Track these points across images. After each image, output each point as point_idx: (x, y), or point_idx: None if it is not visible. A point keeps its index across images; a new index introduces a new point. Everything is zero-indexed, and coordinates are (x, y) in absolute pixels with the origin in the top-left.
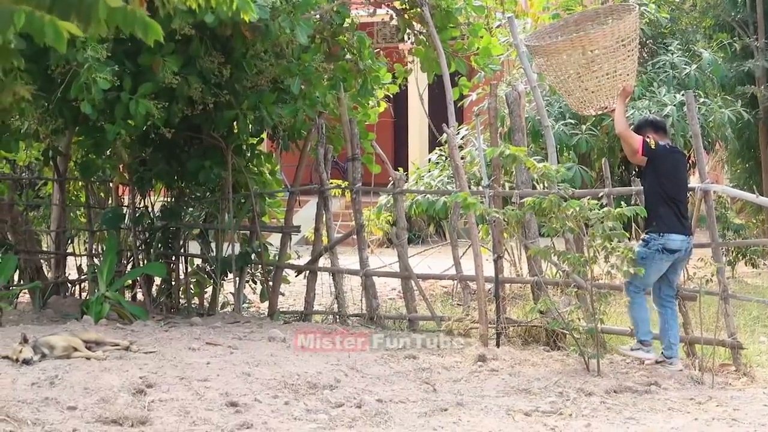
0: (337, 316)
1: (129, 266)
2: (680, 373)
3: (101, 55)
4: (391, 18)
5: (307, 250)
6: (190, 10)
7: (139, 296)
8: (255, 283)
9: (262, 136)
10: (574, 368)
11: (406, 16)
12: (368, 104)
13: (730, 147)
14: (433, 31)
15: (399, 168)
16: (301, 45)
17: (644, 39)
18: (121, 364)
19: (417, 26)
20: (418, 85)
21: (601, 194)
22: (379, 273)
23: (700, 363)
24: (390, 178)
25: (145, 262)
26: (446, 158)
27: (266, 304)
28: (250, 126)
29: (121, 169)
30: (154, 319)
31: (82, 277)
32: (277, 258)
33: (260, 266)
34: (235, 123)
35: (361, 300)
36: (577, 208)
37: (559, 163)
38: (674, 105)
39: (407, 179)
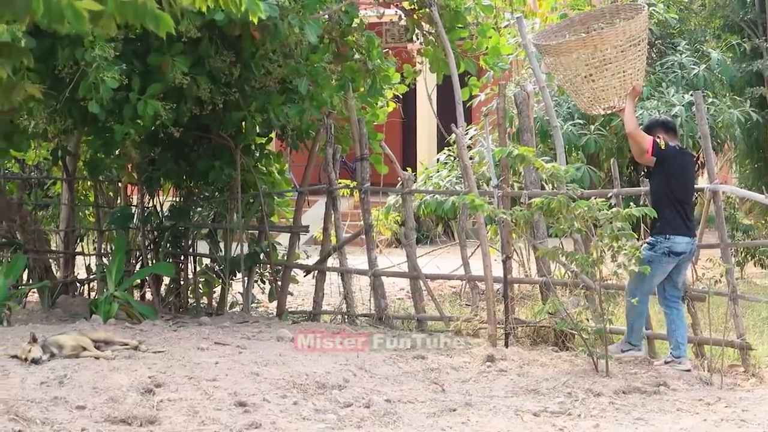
0: (346, 316)
1: (138, 266)
2: (689, 373)
3: (109, 55)
4: (400, 18)
5: (316, 250)
6: (199, 10)
7: (148, 296)
8: (264, 282)
9: (270, 136)
10: (583, 369)
11: (414, 16)
12: (377, 104)
13: (738, 147)
14: (442, 31)
15: (407, 168)
16: (310, 45)
17: (653, 39)
18: (129, 363)
19: (426, 26)
20: (426, 86)
21: (609, 194)
22: (388, 273)
23: (709, 364)
24: (399, 178)
25: (154, 261)
26: (455, 158)
27: (275, 303)
28: (258, 127)
29: (129, 169)
30: (163, 318)
31: (91, 276)
32: (285, 258)
33: (269, 266)
34: (243, 123)
35: (370, 300)
36: (586, 209)
37: (567, 163)
38: (683, 105)
39: (416, 179)
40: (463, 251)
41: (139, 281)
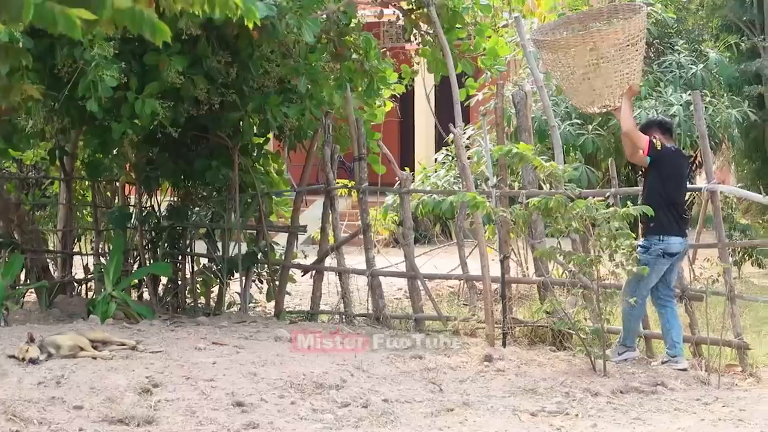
0: (344, 316)
1: (135, 266)
2: (686, 373)
3: (108, 53)
4: (398, 18)
5: (314, 250)
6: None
7: (146, 296)
8: (261, 282)
9: (268, 136)
10: (581, 368)
11: (412, 16)
12: (375, 104)
13: (736, 147)
14: (440, 31)
15: (405, 168)
16: (308, 45)
17: (651, 39)
18: (127, 363)
19: (424, 26)
20: (425, 85)
21: (607, 194)
22: (386, 273)
23: (706, 363)
24: (396, 178)
25: (152, 261)
26: (453, 158)
27: (272, 303)
28: (255, 127)
29: (127, 169)
30: (161, 318)
31: (89, 276)
32: (283, 257)
33: (267, 266)
34: (241, 123)
35: (368, 300)
36: (584, 209)
37: (565, 163)
38: (680, 105)
39: (413, 179)
40: (461, 251)
41: (136, 281)
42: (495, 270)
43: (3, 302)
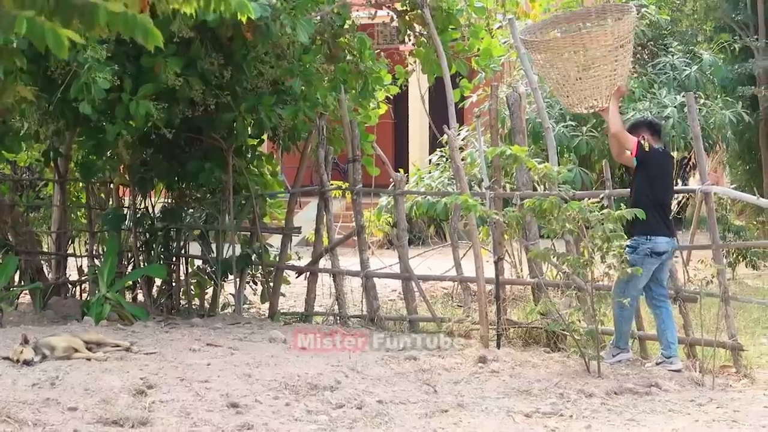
0: (338, 318)
1: (129, 267)
2: (681, 374)
3: (101, 56)
4: (392, 19)
5: (308, 252)
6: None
7: (140, 297)
8: (255, 284)
9: (262, 137)
10: (575, 370)
11: (406, 17)
12: (369, 106)
13: (730, 148)
14: (434, 32)
15: (399, 169)
16: (302, 46)
17: (645, 40)
18: (121, 365)
19: (418, 28)
20: (419, 87)
21: (601, 196)
22: (380, 274)
23: (700, 365)
24: (391, 180)
25: (146, 263)
26: (447, 159)
27: (267, 305)
28: (249, 129)
29: (121, 170)
30: (155, 320)
31: (83, 278)
32: (277, 259)
33: (261, 267)
34: (235, 125)
35: (362, 301)
36: (577, 210)
37: (559, 164)
38: (675, 106)
39: (408, 180)
40: (455, 252)
41: (130, 283)
42: (489, 271)
43: None
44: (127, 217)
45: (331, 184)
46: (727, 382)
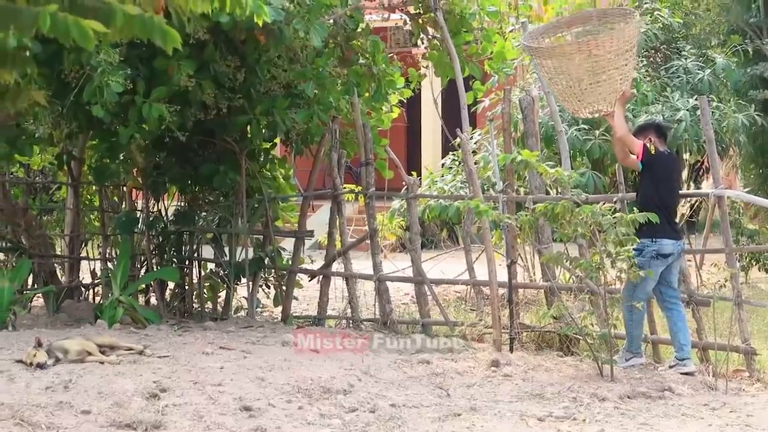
0: (351, 321)
1: (142, 270)
2: (694, 378)
3: (114, 59)
4: (405, 23)
5: (321, 255)
6: (204, 13)
7: (153, 300)
8: (268, 287)
9: (275, 140)
10: (588, 373)
11: (419, 20)
12: (382, 109)
13: (743, 152)
14: (447, 35)
15: (412, 173)
16: (315, 49)
17: (658, 44)
18: (135, 368)
19: (431, 31)
20: (432, 90)
21: (614, 199)
22: (393, 278)
23: (713, 369)
24: (403, 183)
25: (159, 266)
26: (459, 163)
27: (280, 308)
28: (263, 132)
29: (134, 173)
30: (168, 323)
31: (96, 281)
32: (290, 262)
33: (274, 271)
34: (248, 128)
35: (375, 305)
36: (590, 214)
37: (572, 168)
38: (687, 110)
39: (420, 184)
40: (468, 256)
41: (143, 286)
42: (502, 275)
43: (11, 307)
44: (140, 220)
45: (344, 188)
46: (740, 386)
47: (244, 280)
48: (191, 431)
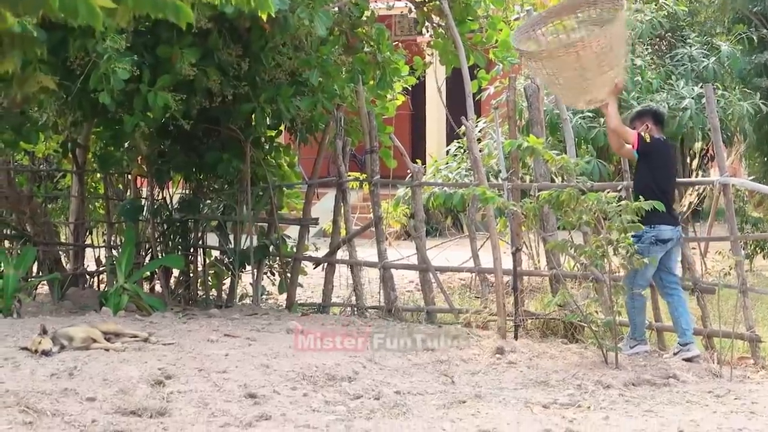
0: (355, 308)
1: (147, 258)
2: (698, 365)
3: (120, 46)
4: (410, 11)
5: (325, 243)
6: (209, 2)
7: (158, 288)
8: (273, 275)
9: (280, 128)
10: (592, 361)
11: (424, 8)
12: (386, 97)
13: (748, 140)
14: (452, 23)
15: (417, 160)
16: (320, 37)
17: (663, 32)
18: (140, 355)
19: (436, 19)
20: (436, 78)
21: (619, 187)
22: (397, 265)
23: (718, 356)
24: (408, 171)
25: (164, 254)
26: (464, 151)
27: (284, 296)
28: (268, 119)
29: (139, 161)
30: (173, 310)
31: (101, 268)
32: (295, 250)
33: (278, 258)
34: (252, 116)
35: (379, 292)
36: (595, 202)
37: (577, 156)
38: (692, 98)
39: (425, 172)
40: (473, 243)
41: (148, 273)
42: (507, 262)
43: (16, 294)
44: (145, 208)
45: (349, 175)
46: (745, 373)
47: (248, 268)
48: (196, 418)
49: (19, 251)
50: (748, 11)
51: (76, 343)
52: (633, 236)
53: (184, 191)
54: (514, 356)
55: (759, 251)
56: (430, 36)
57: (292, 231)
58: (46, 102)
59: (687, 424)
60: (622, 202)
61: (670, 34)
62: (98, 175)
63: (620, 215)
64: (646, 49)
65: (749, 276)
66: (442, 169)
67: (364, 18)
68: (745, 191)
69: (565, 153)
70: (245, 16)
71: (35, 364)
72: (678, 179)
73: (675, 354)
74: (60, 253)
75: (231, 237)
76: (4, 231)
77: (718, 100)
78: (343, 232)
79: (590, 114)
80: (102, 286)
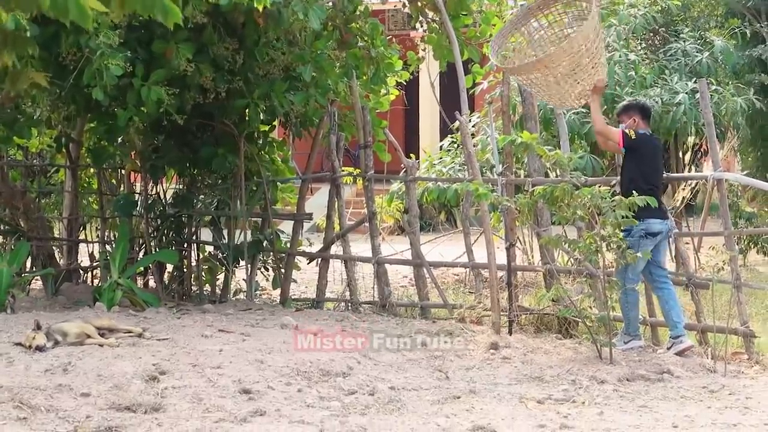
0: (349, 304)
1: (141, 253)
2: (692, 361)
3: (113, 42)
4: (404, 5)
5: (319, 238)
6: None
7: (151, 283)
8: (267, 270)
9: (274, 123)
10: (587, 356)
11: (418, 3)
12: (380, 92)
13: (741, 135)
14: (446, 18)
15: (411, 155)
16: (314, 32)
17: (656, 27)
18: (134, 351)
19: (429, 13)
20: (429, 73)
21: (613, 182)
22: (391, 260)
23: (712, 351)
24: (402, 166)
25: (158, 249)
26: (458, 145)
27: (278, 291)
28: (261, 115)
29: (133, 156)
30: (166, 306)
31: (95, 264)
32: (289, 245)
33: (272, 253)
34: (247, 111)
35: (373, 287)
36: (589, 197)
37: (570, 151)
38: (686, 93)
39: (419, 167)
40: (467, 239)
41: (142, 269)
42: (501, 258)
43: (9, 290)
44: (139, 203)
45: (343, 170)
46: (739, 368)
47: (242, 263)
48: (191, 414)
49: (12, 246)
50: (741, 6)
51: (70, 338)
52: (623, 231)
53: (177, 186)
54: (509, 351)
55: (752, 246)
56: (424, 31)
57: (286, 226)
58: (39, 97)
59: (681, 420)
60: (616, 198)
61: (663, 28)
62: (92, 170)
63: (614, 210)
64: (640, 43)
65: (743, 271)
66: (436, 163)
67: (357, 13)
68: (739, 186)
69: (559, 148)
70: (240, 10)
71: (29, 360)
72: (671, 174)
73: (668, 349)
74: (54, 248)
75: (225, 232)
76: None
77: (711, 95)
78: (336, 228)
79: (583, 110)
80: (96, 281)
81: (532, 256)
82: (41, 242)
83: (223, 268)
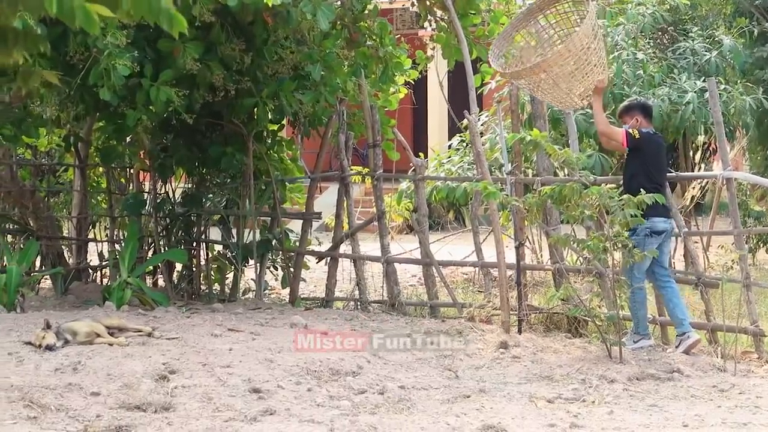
0: (359, 303)
1: (150, 252)
2: (702, 360)
3: (121, 42)
4: (412, 4)
5: (328, 237)
6: None
7: (161, 282)
8: (276, 269)
9: (283, 122)
10: (596, 355)
11: (427, 2)
12: (389, 91)
13: (750, 134)
14: (455, 17)
15: (419, 154)
16: (322, 31)
17: (665, 25)
18: (143, 350)
19: (438, 12)
20: (437, 72)
21: (621, 181)
22: (401, 259)
23: (722, 351)
24: (411, 165)
25: (167, 248)
26: (466, 144)
27: (287, 290)
28: (270, 114)
29: (142, 155)
30: (176, 305)
31: (104, 263)
32: (298, 244)
33: (281, 252)
34: (255, 110)
35: (383, 286)
36: (597, 196)
37: (579, 150)
38: (695, 92)
39: (427, 166)
40: (476, 238)
41: (151, 268)
42: (510, 257)
43: (19, 289)
44: (148, 202)
45: (352, 169)
46: (749, 367)
47: (251, 262)
48: (200, 413)
49: (22, 246)
50: (749, 4)
51: (79, 337)
52: (627, 230)
53: (186, 185)
54: (518, 351)
55: (762, 245)
56: (433, 30)
57: (295, 225)
58: (47, 96)
59: (691, 419)
60: (624, 196)
61: (672, 27)
62: (101, 169)
63: (622, 209)
64: (648, 42)
65: (752, 270)
66: (445, 162)
67: (366, 12)
68: (748, 185)
69: (568, 147)
70: (248, 10)
71: (39, 359)
72: (681, 173)
73: (677, 347)
74: (63, 247)
75: (234, 231)
76: (7, 225)
77: (720, 94)
78: (345, 227)
79: (589, 109)
80: (105, 280)
81: (542, 255)
82: (50, 241)
83: (233, 267)
